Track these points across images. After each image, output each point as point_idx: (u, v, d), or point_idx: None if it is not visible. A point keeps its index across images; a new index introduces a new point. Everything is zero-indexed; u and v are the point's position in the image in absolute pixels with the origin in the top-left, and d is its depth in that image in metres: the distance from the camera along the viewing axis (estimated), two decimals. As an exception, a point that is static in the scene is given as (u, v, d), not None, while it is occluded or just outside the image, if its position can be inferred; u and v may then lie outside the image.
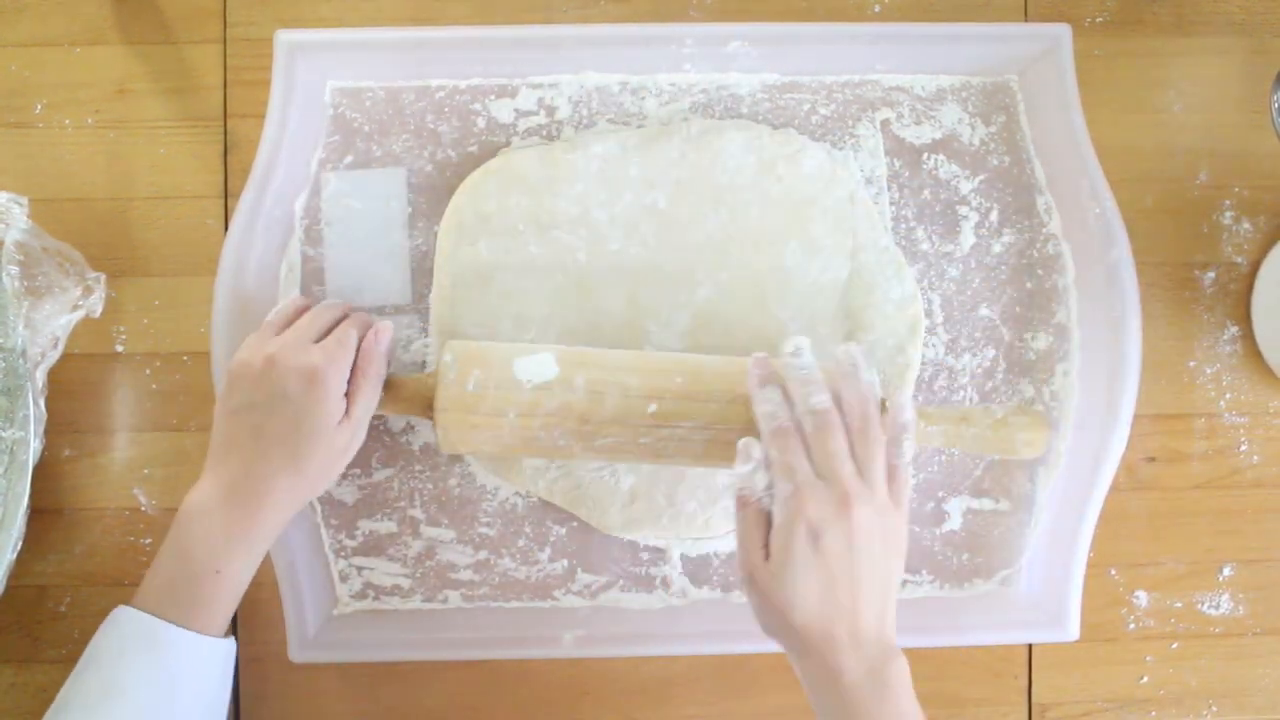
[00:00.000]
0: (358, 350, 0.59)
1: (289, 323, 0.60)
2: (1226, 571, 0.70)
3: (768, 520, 0.55)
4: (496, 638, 0.66)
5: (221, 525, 0.55)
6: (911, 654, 0.67)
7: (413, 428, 0.67)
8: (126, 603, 0.55)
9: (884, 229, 0.67)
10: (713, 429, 0.59)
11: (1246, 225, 0.70)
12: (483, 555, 0.67)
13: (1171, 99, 0.70)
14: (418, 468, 0.67)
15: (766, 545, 0.54)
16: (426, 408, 0.61)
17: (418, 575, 0.67)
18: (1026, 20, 0.69)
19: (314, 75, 0.66)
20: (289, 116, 0.65)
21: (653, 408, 0.59)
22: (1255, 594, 0.70)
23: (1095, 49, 0.70)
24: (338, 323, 0.61)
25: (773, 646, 0.66)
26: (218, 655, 0.56)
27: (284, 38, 0.64)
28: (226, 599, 0.56)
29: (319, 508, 0.67)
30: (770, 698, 0.68)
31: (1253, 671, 0.70)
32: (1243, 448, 0.70)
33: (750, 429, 0.57)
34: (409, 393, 0.61)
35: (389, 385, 0.61)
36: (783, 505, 0.54)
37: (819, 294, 0.66)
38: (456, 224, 0.66)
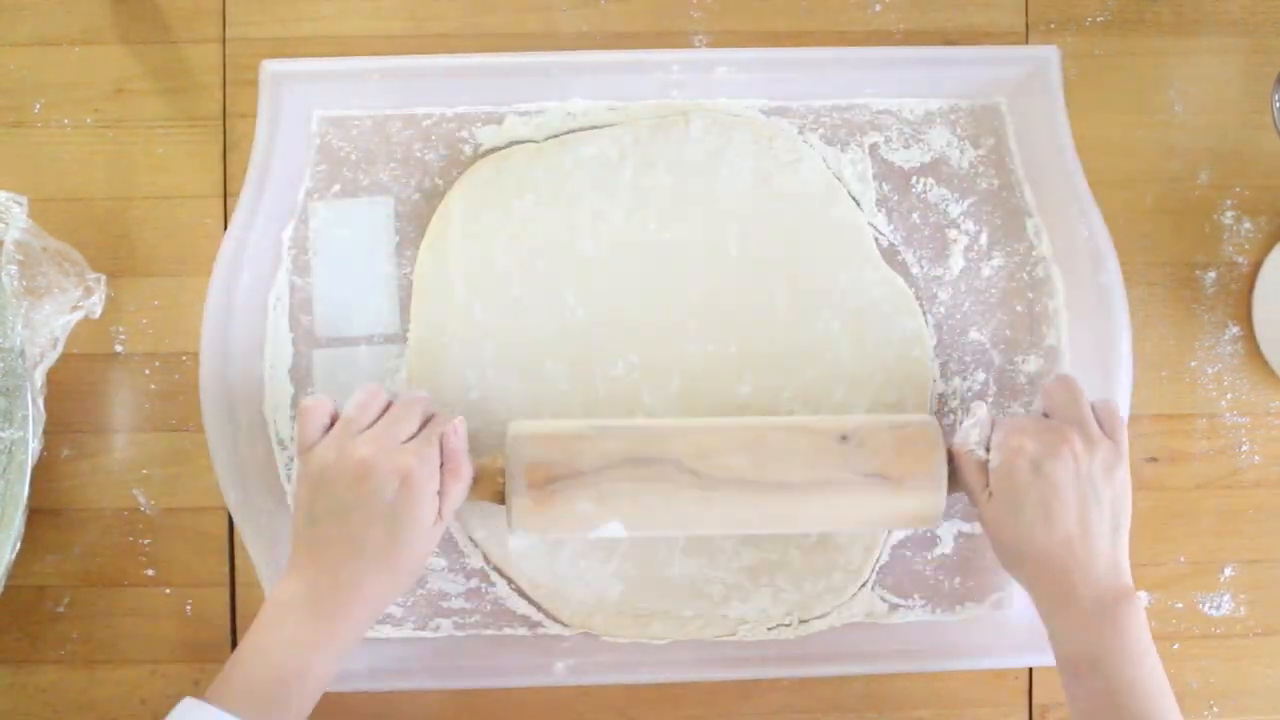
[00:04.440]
0: (441, 448, 0.58)
1: (371, 419, 0.58)
2: (1228, 572, 0.69)
3: (984, 468, 0.58)
4: (488, 666, 0.66)
5: (310, 628, 0.54)
6: (909, 676, 0.68)
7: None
8: (197, 693, 0.53)
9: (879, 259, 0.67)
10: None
11: (1247, 225, 0.70)
12: (474, 584, 0.67)
13: (1171, 99, 0.70)
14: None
15: (989, 488, 0.58)
16: (498, 495, 0.60)
17: (409, 603, 0.66)
18: (1027, 19, 0.69)
19: (300, 105, 0.66)
20: (275, 146, 0.65)
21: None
22: (1256, 594, 0.70)
23: (1095, 49, 0.70)
24: (420, 418, 0.59)
25: (770, 672, 0.66)
26: None
27: (270, 68, 0.65)
28: (308, 701, 0.54)
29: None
30: (770, 698, 0.68)
31: (1254, 672, 0.70)
32: (1244, 448, 0.70)
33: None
34: (482, 484, 0.60)
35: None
36: (1000, 446, 0.58)
37: (825, 348, 0.66)
38: (436, 257, 0.66)
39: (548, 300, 0.66)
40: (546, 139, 0.67)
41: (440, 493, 0.57)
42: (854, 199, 0.68)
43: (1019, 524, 0.56)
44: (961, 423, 0.61)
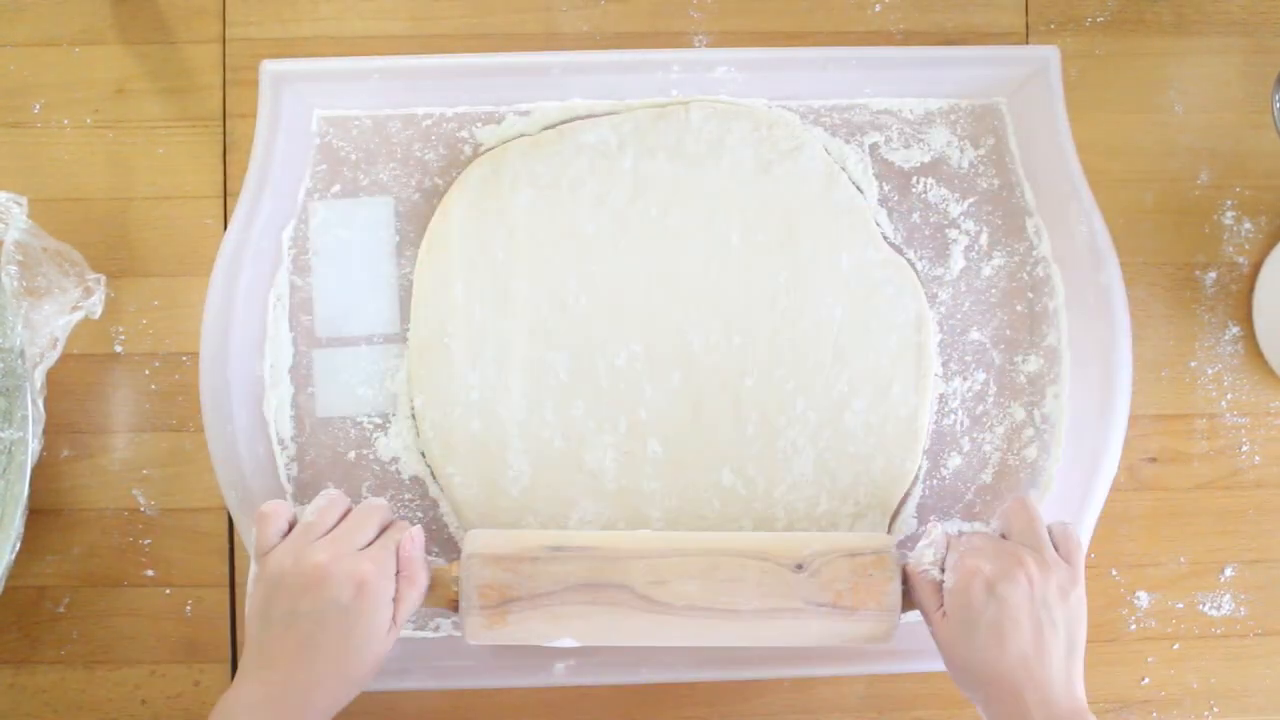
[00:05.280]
0: (398, 556, 0.58)
1: (329, 525, 0.58)
2: (1228, 572, 0.69)
3: (939, 589, 0.58)
4: (488, 666, 0.65)
5: None
6: (909, 676, 0.68)
7: (400, 458, 0.66)
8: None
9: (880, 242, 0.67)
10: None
11: (1247, 225, 0.70)
12: None
13: (1171, 99, 0.70)
14: (407, 496, 0.66)
15: (942, 608, 0.58)
16: (453, 603, 0.60)
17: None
18: (1027, 19, 0.69)
19: (300, 105, 0.66)
20: (275, 146, 0.65)
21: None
22: (1256, 595, 0.69)
23: (1095, 49, 0.70)
24: (378, 525, 0.59)
25: (775, 672, 0.66)
26: None
27: (270, 68, 0.65)
28: None
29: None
30: (770, 698, 0.68)
31: (1254, 672, 0.70)
32: (1244, 448, 0.70)
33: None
34: (437, 592, 0.60)
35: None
36: (955, 568, 0.58)
37: (820, 332, 0.66)
38: (438, 256, 0.66)
39: (550, 290, 0.66)
40: (543, 130, 0.67)
41: (395, 599, 0.57)
42: (855, 185, 0.68)
43: (973, 645, 0.56)
44: (918, 544, 0.61)
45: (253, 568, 0.59)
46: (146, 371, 0.67)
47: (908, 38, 0.69)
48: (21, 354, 0.61)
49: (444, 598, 0.60)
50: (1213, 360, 0.70)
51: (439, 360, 0.65)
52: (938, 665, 0.67)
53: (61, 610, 0.67)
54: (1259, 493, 0.70)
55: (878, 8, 0.69)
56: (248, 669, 0.55)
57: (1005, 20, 0.70)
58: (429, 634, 0.66)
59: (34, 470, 0.62)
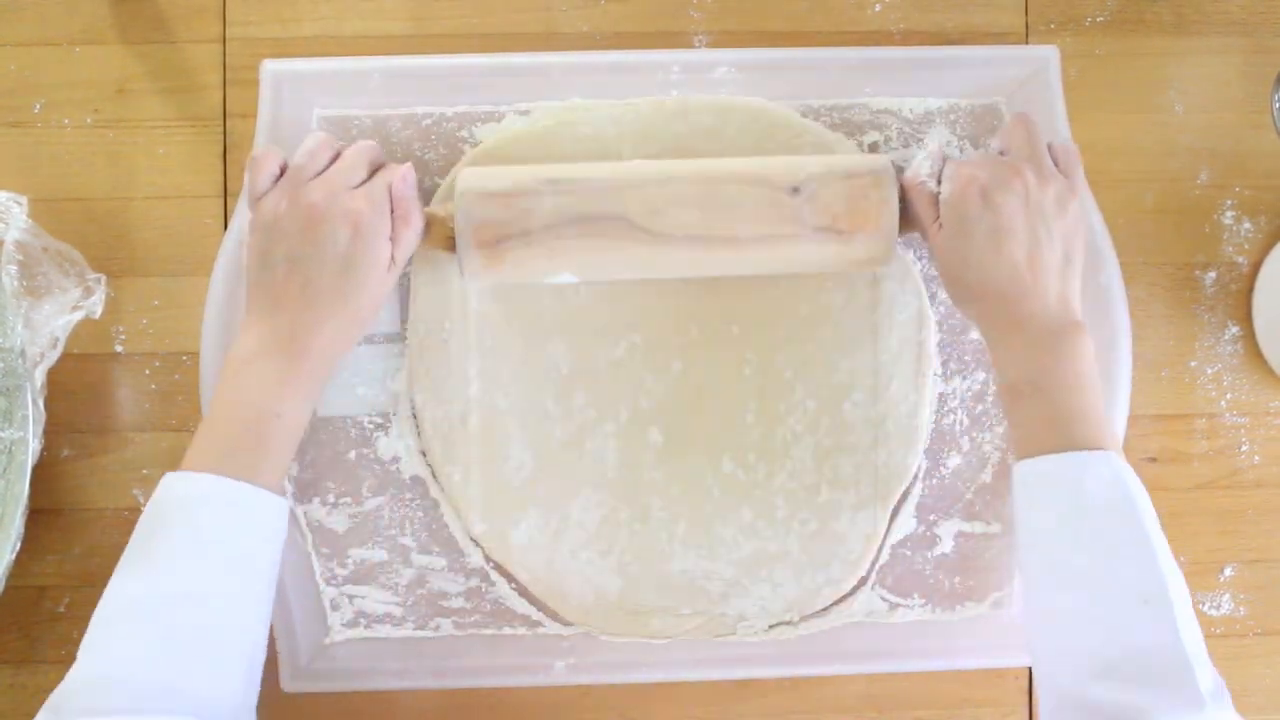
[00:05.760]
0: (390, 195, 0.58)
1: (320, 167, 0.59)
2: (1227, 572, 0.69)
3: (935, 201, 0.58)
4: (488, 665, 0.66)
5: (276, 371, 0.55)
6: (909, 676, 0.68)
7: (400, 458, 0.66)
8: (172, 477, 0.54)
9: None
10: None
11: (1247, 225, 0.70)
12: (474, 583, 0.67)
13: (1171, 99, 0.70)
14: (408, 496, 0.66)
15: (939, 220, 0.57)
16: (449, 244, 0.60)
17: (409, 603, 0.66)
18: (1027, 19, 0.69)
19: (300, 105, 0.66)
20: (276, 145, 0.64)
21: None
22: (1256, 595, 0.70)
23: (1095, 49, 0.70)
24: (369, 166, 0.60)
25: (770, 671, 0.66)
26: (279, 514, 0.55)
27: (270, 68, 0.65)
28: (286, 447, 0.56)
29: (309, 535, 0.66)
30: (770, 698, 0.68)
31: (1253, 672, 0.70)
32: (1244, 448, 0.70)
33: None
34: (433, 233, 0.60)
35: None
36: (951, 178, 0.57)
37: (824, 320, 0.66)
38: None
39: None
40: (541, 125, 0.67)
41: (392, 239, 0.58)
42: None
43: (968, 254, 0.56)
44: (914, 158, 0.60)
45: (249, 218, 0.59)
46: (146, 371, 0.67)
47: (907, 38, 0.69)
48: (21, 354, 0.61)
49: (440, 237, 0.60)
50: (1212, 360, 0.70)
51: (438, 357, 0.65)
52: (938, 665, 0.67)
53: (61, 610, 0.67)
54: (1259, 493, 0.70)
55: (878, 8, 0.69)
56: (251, 319, 0.56)
57: (1005, 20, 0.70)
58: (429, 633, 0.66)
59: (34, 470, 0.62)
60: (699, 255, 0.59)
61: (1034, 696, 0.69)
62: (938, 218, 0.58)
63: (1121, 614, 0.51)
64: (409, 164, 0.60)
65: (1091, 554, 0.53)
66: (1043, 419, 0.55)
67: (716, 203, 0.59)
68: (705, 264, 0.60)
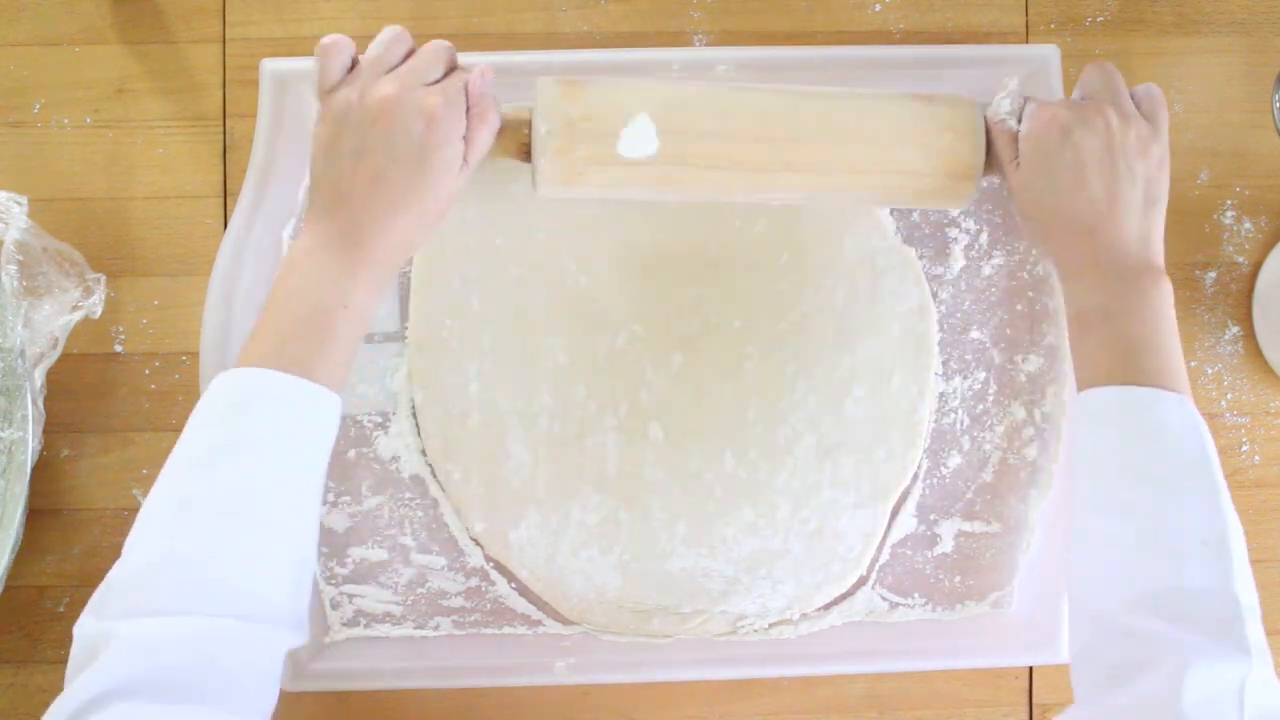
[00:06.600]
0: (467, 93, 0.56)
1: (395, 61, 0.56)
2: (1227, 572, 0.69)
3: (1014, 139, 0.57)
4: (488, 665, 0.66)
5: (339, 264, 0.52)
6: (909, 675, 0.68)
7: (399, 457, 0.66)
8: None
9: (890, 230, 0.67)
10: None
11: (1247, 225, 0.70)
12: (474, 583, 0.67)
13: (1172, 99, 0.70)
14: (407, 495, 0.66)
15: (1017, 159, 0.57)
16: (524, 150, 0.58)
17: (409, 602, 0.66)
18: (1027, 19, 0.69)
19: (300, 104, 0.66)
20: (275, 146, 0.64)
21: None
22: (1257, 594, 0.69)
23: (1095, 49, 0.70)
24: (446, 64, 0.57)
25: (770, 672, 0.66)
26: (333, 412, 0.52)
27: (270, 67, 0.65)
28: (349, 342, 0.53)
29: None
30: (770, 698, 0.68)
31: (1254, 672, 0.69)
32: (1244, 448, 0.70)
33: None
34: (507, 136, 0.58)
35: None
36: (1032, 115, 0.56)
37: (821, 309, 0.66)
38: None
39: (548, 273, 0.66)
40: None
41: (466, 138, 0.55)
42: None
43: (1046, 189, 0.55)
44: (994, 97, 0.59)
45: (318, 109, 0.56)
46: (146, 371, 0.67)
47: (908, 38, 0.69)
48: (21, 354, 0.61)
49: (515, 142, 0.58)
50: (1213, 360, 0.70)
51: (438, 354, 0.65)
52: (938, 665, 0.67)
53: (61, 610, 0.67)
54: (1259, 493, 0.70)
55: (878, 8, 0.69)
56: (315, 211, 0.54)
57: (1005, 20, 0.70)
58: (429, 633, 0.66)
59: (34, 470, 0.62)
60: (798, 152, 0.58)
61: (1033, 697, 0.69)
62: (1016, 156, 0.57)
63: (1177, 550, 0.50)
64: (488, 63, 0.57)
65: (1156, 487, 0.51)
66: (1110, 346, 0.54)
67: (830, 127, 0.58)
68: (798, 160, 0.58)
